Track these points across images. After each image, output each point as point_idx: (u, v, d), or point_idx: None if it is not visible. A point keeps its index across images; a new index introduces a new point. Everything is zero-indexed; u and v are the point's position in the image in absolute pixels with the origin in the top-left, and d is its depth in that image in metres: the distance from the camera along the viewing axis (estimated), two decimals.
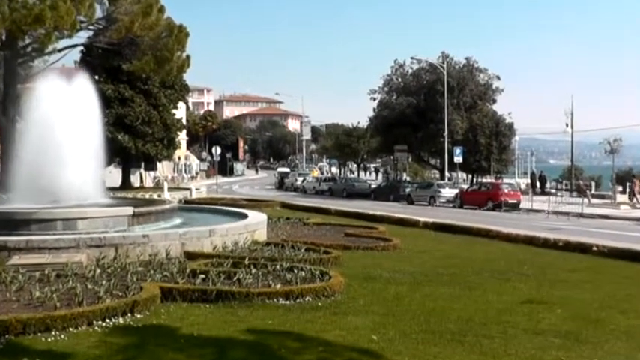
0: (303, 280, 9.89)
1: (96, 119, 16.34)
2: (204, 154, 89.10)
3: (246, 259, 11.19)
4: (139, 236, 12.21)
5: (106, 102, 37.90)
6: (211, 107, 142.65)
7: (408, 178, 55.45)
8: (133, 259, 11.33)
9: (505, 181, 47.40)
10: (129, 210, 13.99)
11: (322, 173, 77.48)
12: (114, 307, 7.93)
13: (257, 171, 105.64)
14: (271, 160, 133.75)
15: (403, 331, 7.69)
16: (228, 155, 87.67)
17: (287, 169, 79.26)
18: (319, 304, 8.94)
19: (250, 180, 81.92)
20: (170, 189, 40.12)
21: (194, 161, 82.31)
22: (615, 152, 40.73)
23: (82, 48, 35.93)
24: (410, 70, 51.29)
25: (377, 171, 78.12)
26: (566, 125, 47.47)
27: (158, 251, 11.85)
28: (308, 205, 29.60)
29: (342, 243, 15.05)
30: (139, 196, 31.62)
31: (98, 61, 38.52)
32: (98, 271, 10.08)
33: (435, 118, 46.42)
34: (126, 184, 42.69)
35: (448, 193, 39.17)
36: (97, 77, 40.50)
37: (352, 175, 77.39)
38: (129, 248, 11.78)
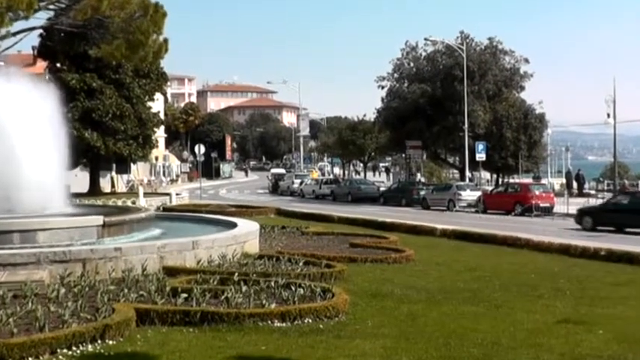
0: (301, 298, 9.87)
1: (57, 114, 16.32)
2: (186, 154, 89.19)
3: (236, 274, 11.18)
4: (110, 250, 12.19)
5: (70, 94, 38.02)
6: (193, 99, 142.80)
7: (423, 179, 55.44)
8: (104, 277, 11.31)
9: (535, 181, 47.46)
10: (98, 219, 13.97)
11: (323, 174, 77.55)
12: (81, 332, 7.91)
13: (247, 173, 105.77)
14: (263, 159, 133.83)
15: (418, 358, 7.67)
16: (214, 154, 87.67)
17: (282, 170, 79.31)
18: (321, 326, 8.92)
19: (240, 183, 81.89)
20: (146, 194, 40.07)
21: (174, 162, 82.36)
22: None
23: (40, 31, 35.93)
24: (423, 54, 51.31)
25: (387, 171, 78.18)
26: (608, 115, 47.33)
27: (133, 267, 11.83)
28: (307, 212, 29.58)
29: (346, 255, 15.05)
30: (110, 202, 31.59)
31: (60, 47, 38.52)
32: (62, 290, 10.06)
33: (453, 108, 46.43)
34: (95, 190, 42.67)
35: (469, 195, 39.17)
36: (58, 65, 40.65)
37: (358, 176, 77.43)
38: (98, 264, 11.76)
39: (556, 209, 33.93)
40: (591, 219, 26.21)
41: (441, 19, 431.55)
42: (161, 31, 26.91)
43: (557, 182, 55.71)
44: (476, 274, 13.56)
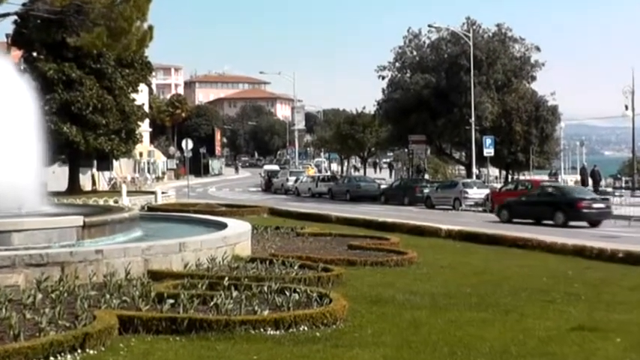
0: (296, 304, 9.87)
1: (33, 107, 16.28)
2: (173, 149, 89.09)
3: (226, 279, 11.17)
4: (90, 252, 12.17)
5: (48, 85, 37.92)
6: (180, 90, 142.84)
7: (427, 176, 55.48)
8: (84, 281, 11.29)
9: (547, 178, 47.53)
10: (78, 219, 13.94)
11: (320, 171, 77.57)
12: (60, 341, 7.89)
13: (237, 169, 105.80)
14: (256, 155, 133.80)
15: None
16: (202, 150, 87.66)
17: (276, 167, 79.30)
18: (317, 334, 8.92)
19: (230, 180, 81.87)
20: (130, 193, 40.05)
21: (160, 158, 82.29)
22: None
23: (15, 18, 35.84)
24: (427, 41, 51.39)
25: (391, 167, 78.16)
26: (626, 108, 47.45)
27: (115, 271, 11.82)
28: (302, 211, 29.59)
29: (344, 257, 15.06)
30: (90, 202, 31.57)
31: (36, 35, 38.43)
32: (39, 296, 10.04)
33: (459, 100, 46.48)
34: (74, 188, 42.60)
35: (476, 193, 39.21)
36: (35, 54, 40.51)
37: (357, 173, 77.46)
38: (78, 267, 11.74)
39: None
40: (507, 212, 30.49)
41: (446, 5, 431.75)
42: (145, 17, 26.81)
43: (571, 179, 55.81)
44: (483, 278, 13.57)
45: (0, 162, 14.78)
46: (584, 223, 28.16)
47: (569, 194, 30.58)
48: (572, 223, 27.93)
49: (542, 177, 49.99)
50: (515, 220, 29.70)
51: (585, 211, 28.61)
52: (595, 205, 29.03)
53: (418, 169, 57.57)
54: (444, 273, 14.23)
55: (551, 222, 28.27)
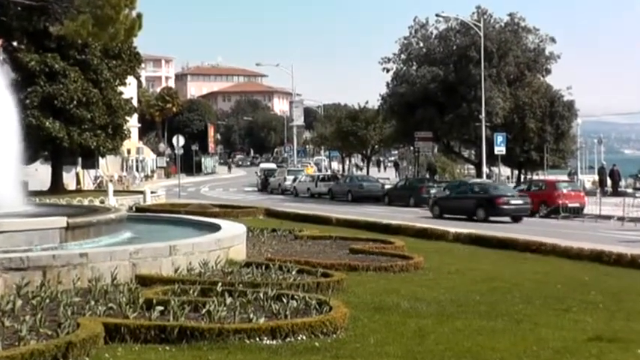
0: (294, 312, 9.86)
1: (11, 100, 16.26)
2: (163, 146, 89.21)
3: (219, 284, 11.16)
4: (74, 255, 12.16)
5: (29, 77, 38.02)
6: (171, 83, 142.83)
7: (437, 176, 55.52)
8: (67, 287, 11.27)
9: (563, 178, 47.51)
10: (61, 221, 13.93)
11: (319, 170, 77.60)
12: (41, 351, 7.88)
13: (230, 168, 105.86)
14: (251, 152, 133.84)
15: None
16: (195, 147, 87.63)
17: (272, 165, 79.38)
18: (316, 344, 8.91)
19: (224, 180, 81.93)
20: (117, 192, 40.11)
21: (149, 156, 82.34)
22: None
23: None
24: (435, 32, 51.36)
25: (397, 166, 78.18)
26: None
27: (101, 275, 11.81)
28: (301, 213, 29.62)
29: (346, 262, 15.05)
30: (74, 201, 31.59)
31: (17, 23, 38.40)
32: (19, 302, 10.02)
33: (469, 94, 46.47)
34: (57, 187, 42.64)
35: None
36: (15, 44, 40.51)
37: (359, 173, 77.44)
38: (61, 272, 11.72)
39: (587, 210, 33.98)
40: (438, 208, 34.61)
41: None
42: (134, 4, 26.81)
43: (589, 179, 55.79)
44: (494, 285, 13.57)
45: None
46: (507, 219, 32.15)
47: (489, 191, 34.31)
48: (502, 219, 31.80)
49: (558, 177, 49.90)
50: (445, 215, 33.58)
51: (503, 207, 32.43)
52: (513, 202, 32.83)
53: (429, 168, 57.54)
54: (451, 279, 14.23)
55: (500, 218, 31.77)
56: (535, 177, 52.69)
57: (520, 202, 33.15)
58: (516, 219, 32.32)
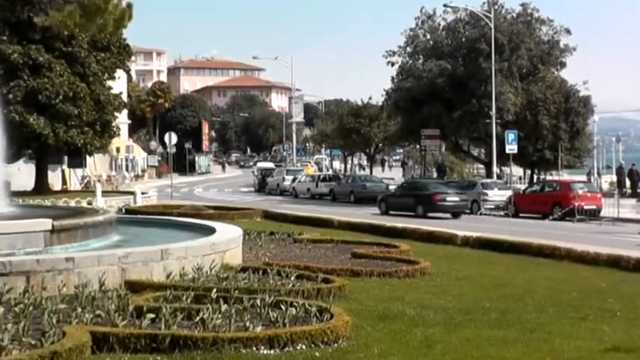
0: (293, 320, 9.85)
1: None
2: (154, 144, 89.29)
3: (214, 291, 11.14)
4: (60, 260, 12.14)
5: (11, 70, 37.96)
6: (163, 77, 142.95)
7: (446, 177, 55.48)
8: (52, 293, 11.25)
9: (577, 178, 47.48)
10: (46, 223, 13.92)
11: (320, 169, 77.61)
12: None
13: (224, 167, 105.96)
14: (248, 151, 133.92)
15: None
16: (188, 145, 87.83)
17: (270, 164, 79.41)
18: (317, 354, 8.90)
19: (219, 180, 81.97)
20: (105, 193, 40.04)
21: (139, 154, 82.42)
22: None
23: None
24: (442, 23, 51.43)
25: (404, 165, 78.22)
26: None
27: (88, 281, 11.79)
28: (301, 215, 29.58)
29: (348, 267, 15.04)
30: (60, 203, 31.55)
31: None
32: (1, 310, 10.01)
33: (478, 90, 46.51)
34: (42, 187, 42.65)
35: (497, 195, 39.28)
36: None
37: (362, 172, 77.52)
38: (46, 277, 11.71)
39: (604, 212, 33.97)
40: (385, 205, 38.34)
41: None
42: None
43: (606, 180, 55.78)
44: (505, 292, 13.56)
45: None
46: (448, 215, 35.89)
47: (427, 188, 37.83)
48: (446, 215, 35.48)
49: (573, 177, 49.93)
50: (391, 212, 36.96)
51: (440, 203, 36.08)
52: (449, 199, 36.45)
53: (439, 168, 57.50)
54: (460, 285, 14.21)
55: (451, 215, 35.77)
56: (549, 177, 52.68)
57: (457, 199, 36.72)
58: (455, 215, 35.91)
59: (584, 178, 52.35)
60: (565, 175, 51.75)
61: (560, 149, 48.06)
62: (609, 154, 72.46)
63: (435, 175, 57.73)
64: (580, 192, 35.27)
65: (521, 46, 47.88)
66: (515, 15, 49.81)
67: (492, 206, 38.44)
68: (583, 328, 10.68)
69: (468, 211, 38.72)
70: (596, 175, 58.41)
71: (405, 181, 44.82)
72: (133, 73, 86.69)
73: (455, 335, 10.00)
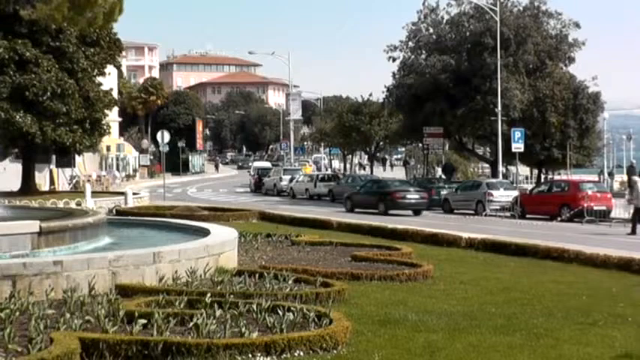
0: (291, 325, 9.85)
1: None
2: (146, 143, 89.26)
3: (208, 295, 11.15)
4: (48, 263, 12.14)
5: None
6: (155, 73, 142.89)
7: (443, 175, 55.50)
8: (40, 298, 11.26)
9: (587, 177, 47.48)
10: (33, 225, 13.91)
11: (319, 169, 77.69)
12: None
13: (217, 167, 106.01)
14: (244, 150, 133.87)
15: None
16: (181, 144, 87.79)
17: (267, 164, 79.40)
18: None
19: (213, 180, 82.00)
20: (95, 194, 40.09)
21: (130, 153, 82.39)
22: None
23: None
24: (446, 17, 51.46)
25: (406, 164, 78.29)
26: None
27: (77, 285, 11.79)
28: (298, 216, 29.61)
29: (347, 271, 15.05)
30: (48, 204, 31.57)
31: None
32: None
33: (483, 86, 46.52)
34: (29, 187, 42.61)
35: (503, 196, 39.27)
36: None
37: (363, 172, 77.53)
38: (33, 281, 11.71)
39: (614, 213, 33.96)
40: (350, 202, 41.40)
41: None
42: None
43: (617, 179, 55.80)
44: (511, 296, 13.56)
45: None
46: (409, 212, 38.76)
47: (387, 186, 41.24)
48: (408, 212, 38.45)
49: (582, 176, 49.92)
50: (356, 210, 39.94)
51: (400, 201, 39.07)
52: (409, 196, 39.48)
53: (446, 168, 57.47)
54: (464, 289, 14.21)
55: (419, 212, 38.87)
56: (557, 177, 52.70)
57: (416, 196, 39.73)
58: (416, 212, 38.84)
59: (594, 177, 52.36)
60: (572, 175, 51.73)
61: (568, 148, 48.07)
62: (620, 153, 72.52)
63: (438, 174, 57.74)
64: (589, 192, 35.27)
65: (528, 40, 47.89)
66: (521, 8, 49.86)
67: (498, 207, 38.43)
68: (593, 334, 10.68)
69: (472, 212, 38.81)
70: (606, 174, 58.44)
71: (369, 180, 47.14)
72: (123, 69, 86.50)
73: (459, 341, 10.00)
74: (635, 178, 30.89)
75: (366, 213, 37.66)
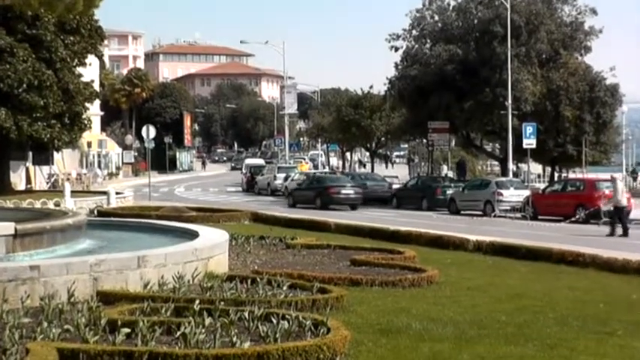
0: (286, 335, 9.85)
1: None
2: (130, 138, 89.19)
3: (197, 302, 11.14)
4: (24, 268, 12.12)
5: None
6: (140, 64, 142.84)
7: (450, 173, 55.50)
8: (15, 305, 11.24)
9: (602, 176, 47.49)
10: (8, 227, 13.90)
11: (316, 167, 77.65)
12: None
13: (204, 165, 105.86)
14: (235, 146, 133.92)
15: None
16: (168, 139, 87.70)
17: (260, 161, 79.38)
18: None
19: (203, 178, 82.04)
20: (75, 193, 40.04)
21: (113, 149, 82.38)
22: None
23: None
24: (452, 3, 51.47)
25: (410, 161, 78.30)
26: None
27: (55, 292, 11.78)
28: (294, 217, 29.65)
29: (347, 276, 15.04)
30: (24, 204, 31.54)
31: None
32: None
33: (492, 78, 46.57)
34: (3, 186, 42.64)
35: (514, 195, 39.32)
36: None
37: (363, 170, 77.53)
38: (7, 288, 11.68)
39: (634, 214, 33.96)
40: (292, 198, 46.59)
41: None
42: None
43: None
44: (522, 303, 13.57)
45: None
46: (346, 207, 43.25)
47: (324, 182, 45.98)
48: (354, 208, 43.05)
49: (599, 175, 49.93)
50: (298, 205, 44.02)
51: (335, 196, 43.77)
52: (344, 192, 44.19)
53: (460, 166, 57.37)
54: (471, 296, 14.22)
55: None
56: (572, 175, 52.74)
57: (351, 192, 44.28)
58: (353, 207, 43.43)
59: (625, 174, 52.33)
60: (588, 173, 51.74)
61: (584, 144, 48.08)
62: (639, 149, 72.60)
63: (444, 172, 57.73)
64: (607, 191, 35.17)
65: (541, 28, 47.88)
66: None
67: (508, 207, 38.45)
68: (611, 344, 10.68)
69: (480, 213, 38.82)
70: (624, 172, 58.47)
71: (309, 176, 51.38)
72: (106, 59, 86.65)
73: (466, 352, 10.00)
74: (615, 175, 31.33)
75: (306, 208, 41.24)
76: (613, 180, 30.44)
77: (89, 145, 69.93)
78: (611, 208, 30.05)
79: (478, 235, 23.65)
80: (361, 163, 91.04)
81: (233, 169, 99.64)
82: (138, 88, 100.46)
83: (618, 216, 29.29)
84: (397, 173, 68.43)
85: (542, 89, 47.49)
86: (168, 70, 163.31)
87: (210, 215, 29.99)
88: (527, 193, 38.96)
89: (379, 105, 63.72)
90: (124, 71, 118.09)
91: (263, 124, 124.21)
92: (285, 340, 9.65)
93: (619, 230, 29.01)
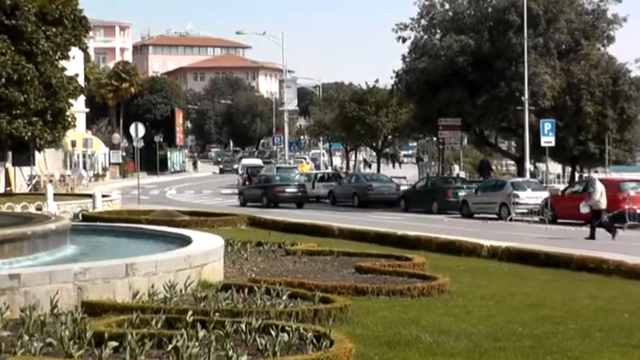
0: (285, 347, 9.85)
1: None
2: (117, 137, 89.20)
3: (190, 313, 11.14)
4: (3, 277, 12.15)
5: None
6: (128, 57, 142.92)
7: (462, 174, 55.49)
8: None
9: (629, 176, 47.48)
10: None
11: (317, 167, 77.74)
12: None
13: (195, 165, 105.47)
14: (231, 145, 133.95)
15: None
16: (158, 138, 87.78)
17: (258, 161, 79.47)
18: None
19: (196, 179, 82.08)
20: (58, 196, 40.02)
21: (100, 149, 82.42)
22: None
23: None
24: None
25: (419, 160, 78.25)
26: None
27: (37, 302, 11.78)
28: (293, 221, 29.66)
29: (351, 284, 15.05)
30: (3, 208, 31.55)
31: None
32: None
33: (507, 71, 46.55)
34: None
35: (531, 197, 39.31)
36: None
37: (368, 170, 77.55)
38: None
39: None
40: (243, 197, 51.14)
41: None
42: None
43: None
44: (541, 313, 13.57)
45: None
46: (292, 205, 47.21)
47: (270, 181, 50.77)
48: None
49: (623, 175, 49.87)
50: (248, 204, 48.66)
51: (280, 194, 48.17)
52: (288, 190, 48.82)
53: (482, 167, 57.21)
54: (486, 306, 14.22)
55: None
56: (594, 175, 52.66)
57: (295, 190, 49.15)
58: (299, 205, 47.66)
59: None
60: (612, 173, 51.70)
61: (607, 141, 48.05)
62: None
63: (455, 173, 57.72)
64: (632, 193, 35.18)
65: (560, 17, 47.83)
66: None
67: (525, 210, 38.43)
68: (637, 357, 10.70)
69: (495, 216, 38.80)
70: None
71: (260, 175, 56.60)
72: (91, 52, 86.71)
73: None
74: (594, 176, 31.31)
75: (256, 207, 45.98)
76: (592, 181, 30.45)
77: (73, 144, 69.96)
78: (588, 210, 30.07)
79: (493, 240, 23.67)
80: (366, 163, 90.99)
81: (222, 171, 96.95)
82: (126, 83, 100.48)
83: (597, 219, 29.33)
84: (405, 174, 68.40)
85: (562, 83, 47.43)
86: (159, 64, 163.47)
87: (204, 219, 30.00)
88: (545, 194, 38.92)
89: (385, 100, 63.71)
90: (111, 65, 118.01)
91: (261, 121, 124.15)
92: (284, 353, 9.66)
93: (620, 232, 29.14)
